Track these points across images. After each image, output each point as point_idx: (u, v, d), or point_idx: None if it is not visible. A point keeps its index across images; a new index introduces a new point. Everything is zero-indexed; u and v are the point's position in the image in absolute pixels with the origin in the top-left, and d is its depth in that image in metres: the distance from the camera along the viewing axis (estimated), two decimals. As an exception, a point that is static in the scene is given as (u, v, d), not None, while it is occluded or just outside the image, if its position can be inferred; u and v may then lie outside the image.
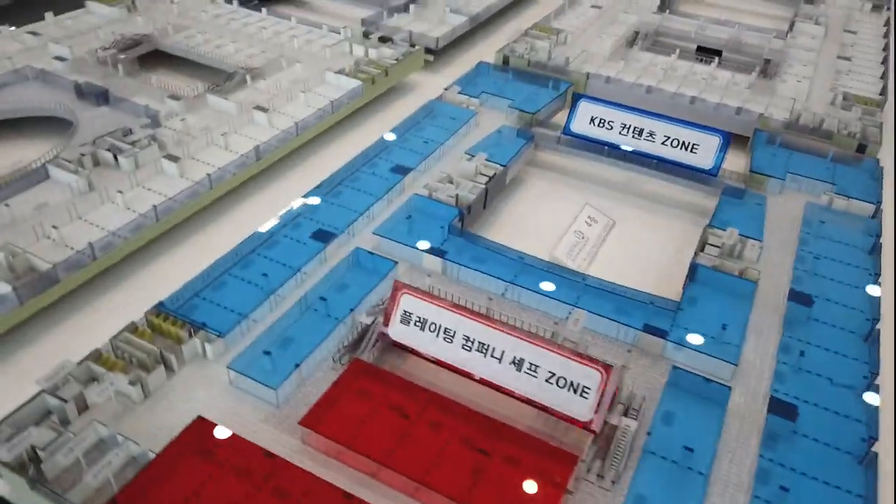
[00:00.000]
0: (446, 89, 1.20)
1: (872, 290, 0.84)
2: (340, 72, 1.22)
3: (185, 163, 0.96)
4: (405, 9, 1.55)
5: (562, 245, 0.94)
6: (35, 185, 0.92)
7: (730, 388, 0.69)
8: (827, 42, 1.54)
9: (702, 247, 0.88)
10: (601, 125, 1.08)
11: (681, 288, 0.82)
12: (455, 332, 0.68)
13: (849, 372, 0.73)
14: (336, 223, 0.88)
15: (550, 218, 1.01)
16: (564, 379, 0.64)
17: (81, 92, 1.13)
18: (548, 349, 0.65)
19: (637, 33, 1.54)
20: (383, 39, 1.35)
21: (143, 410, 0.64)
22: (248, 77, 1.19)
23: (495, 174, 0.99)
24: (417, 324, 0.69)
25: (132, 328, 0.70)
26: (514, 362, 0.66)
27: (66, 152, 0.97)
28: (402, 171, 0.98)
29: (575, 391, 0.64)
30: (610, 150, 1.08)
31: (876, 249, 0.91)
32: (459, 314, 0.68)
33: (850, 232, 0.94)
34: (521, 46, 1.37)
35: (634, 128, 1.06)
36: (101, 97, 1.12)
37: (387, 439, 0.61)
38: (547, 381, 0.65)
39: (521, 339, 0.66)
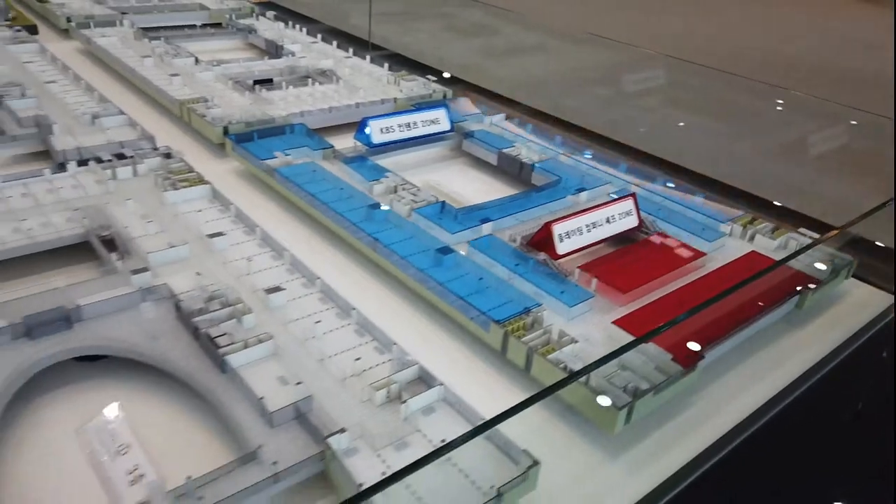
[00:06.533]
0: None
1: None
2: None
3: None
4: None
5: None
6: None
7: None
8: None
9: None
10: (388, 132, 1.49)
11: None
12: (579, 227, 1.15)
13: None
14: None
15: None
16: (623, 213, 1.22)
17: None
18: (597, 210, 1.20)
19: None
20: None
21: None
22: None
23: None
24: (567, 236, 1.12)
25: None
26: (608, 220, 1.19)
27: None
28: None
29: (628, 214, 1.22)
30: (395, 144, 1.51)
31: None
32: (581, 215, 1.14)
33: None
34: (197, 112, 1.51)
35: (405, 124, 1.52)
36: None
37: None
38: (619, 219, 1.21)
39: (597, 209, 1.19)
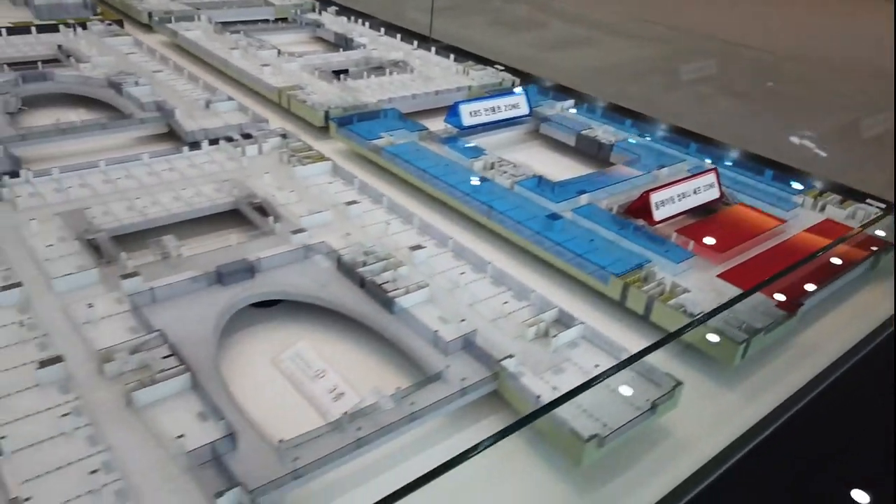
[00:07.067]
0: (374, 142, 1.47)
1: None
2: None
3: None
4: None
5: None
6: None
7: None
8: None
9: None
10: (475, 115, 1.61)
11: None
12: (672, 196, 1.26)
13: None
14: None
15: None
16: (706, 185, 1.33)
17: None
18: (686, 182, 1.32)
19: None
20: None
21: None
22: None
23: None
24: (663, 204, 1.24)
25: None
26: (695, 191, 1.30)
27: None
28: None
29: (711, 187, 1.34)
30: (481, 127, 1.63)
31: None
32: (673, 186, 1.26)
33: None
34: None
35: (490, 108, 1.64)
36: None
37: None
38: (704, 191, 1.32)
39: (686, 181, 1.30)
